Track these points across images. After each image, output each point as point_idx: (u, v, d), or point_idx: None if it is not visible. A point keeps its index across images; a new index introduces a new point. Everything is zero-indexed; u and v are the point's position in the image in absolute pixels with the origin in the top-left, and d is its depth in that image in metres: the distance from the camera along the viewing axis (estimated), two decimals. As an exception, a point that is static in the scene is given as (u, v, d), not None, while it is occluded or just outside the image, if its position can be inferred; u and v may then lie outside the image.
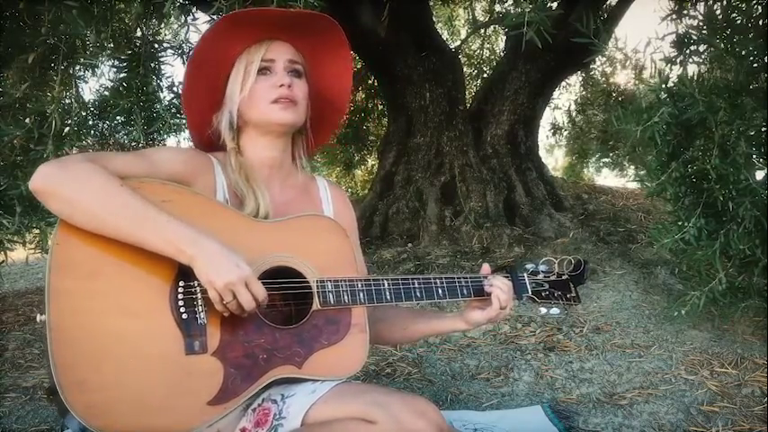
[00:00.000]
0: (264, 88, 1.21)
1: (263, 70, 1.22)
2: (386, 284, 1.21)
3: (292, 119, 1.23)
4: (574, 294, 1.40)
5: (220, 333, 1.04)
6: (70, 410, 0.89)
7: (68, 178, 0.99)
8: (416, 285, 1.24)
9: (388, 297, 1.21)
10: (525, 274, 1.38)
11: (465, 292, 1.29)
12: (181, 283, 1.04)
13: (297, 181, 1.35)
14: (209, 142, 1.29)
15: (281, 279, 1.12)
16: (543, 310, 1.40)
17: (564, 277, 1.41)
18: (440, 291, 1.27)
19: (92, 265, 0.99)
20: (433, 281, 1.27)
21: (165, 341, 1.00)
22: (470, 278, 1.30)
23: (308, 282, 1.15)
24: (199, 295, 1.04)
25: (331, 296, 1.16)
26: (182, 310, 1.02)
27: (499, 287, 1.26)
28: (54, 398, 0.92)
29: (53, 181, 0.99)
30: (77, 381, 0.91)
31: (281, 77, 1.21)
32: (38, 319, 0.96)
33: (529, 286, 1.37)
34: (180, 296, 1.03)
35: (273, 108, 1.21)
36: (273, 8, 1.19)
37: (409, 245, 3.85)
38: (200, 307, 1.03)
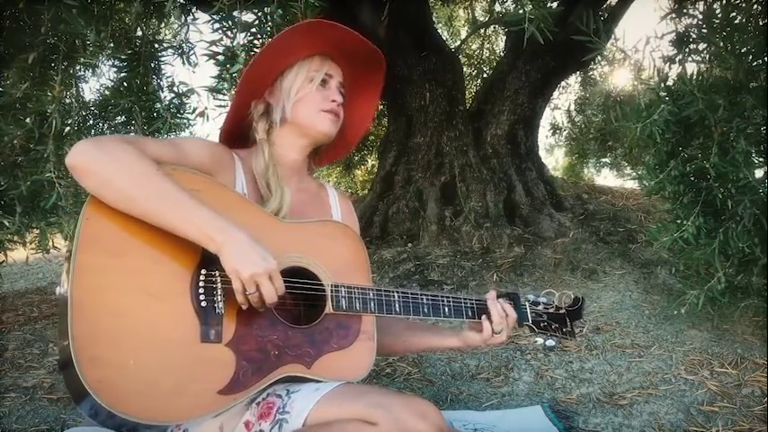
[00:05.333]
0: (319, 97, 1.29)
1: (322, 82, 1.30)
2: (396, 296, 1.25)
3: (333, 131, 1.31)
4: (569, 329, 1.45)
5: (236, 325, 1.06)
6: (83, 382, 0.89)
7: (105, 157, 1.00)
8: (425, 301, 1.28)
9: (397, 309, 1.24)
10: (527, 304, 1.42)
11: (470, 313, 1.33)
12: (203, 271, 1.05)
13: (309, 186, 1.40)
14: (238, 135, 1.34)
15: (296, 279, 1.14)
16: (539, 341, 1.44)
17: (562, 311, 1.46)
18: (446, 309, 1.31)
19: (117, 244, 1.00)
20: (440, 299, 1.31)
21: (182, 326, 1.01)
22: (476, 300, 1.34)
23: (322, 285, 1.17)
24: (219, 285, 1.05)
25: (344, 302, 1.18)
26: (201, 297, 1.04)
27: (498, 312, 1.31)
28: (66, 372, 0.93)
29: (90, 158, 1.00)
30: (92, 356, 0.92)
31: (335, 93, 1.31)
32: (57, 291, 0.97)
33: (529, 315, 1.41)
34: (201, 284, 1.04)
35: (323, 116, 1.29)
36: (352, 30, 1.28)
37: (409, 245, 3.85)
38: (219, 296, 1.05)
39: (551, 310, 1.44)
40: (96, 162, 1.00)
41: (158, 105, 2.55)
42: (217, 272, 1.05)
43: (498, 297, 1.36)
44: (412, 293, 1.27)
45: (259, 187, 1.24)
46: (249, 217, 1.13)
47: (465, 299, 1.33)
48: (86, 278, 0.96)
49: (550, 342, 1.42)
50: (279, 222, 1.19)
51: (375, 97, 1.43)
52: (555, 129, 6.62)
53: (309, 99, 1.28)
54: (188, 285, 1.03)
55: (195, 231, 1.00)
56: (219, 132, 1.37)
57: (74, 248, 0.96)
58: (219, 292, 1.05)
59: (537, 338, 1.42)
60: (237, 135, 1.34)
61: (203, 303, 1.03)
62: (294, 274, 1.14)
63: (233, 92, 2.03)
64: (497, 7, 5.96)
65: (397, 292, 1.25)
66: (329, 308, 1.16)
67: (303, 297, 1.18)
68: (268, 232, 1.14)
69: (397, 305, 1.24)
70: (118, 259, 0.99)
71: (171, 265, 1.03)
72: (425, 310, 1.28)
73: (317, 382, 1.10)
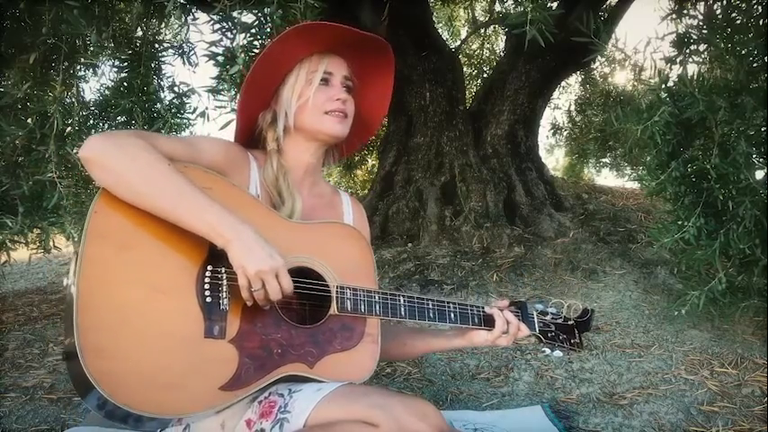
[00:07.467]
0: (322, 98, 1.26)
1: (322, 81, 1.27)
2: (401, 300, 1.24)
3: (343, 131, 1.28)
4: (578, 341, 1.44)
5: (240, 322, 1.06)
6: (86, 372, 0.89)
7: (118, 151, 1.02)
8: (430, 306, 1.28)
9: (403, 313, 1.24)
10: (535, 313, 1.41)
11: (476, 320, 1.32)
12: (209, 267, 1.06)
13: (323, 190, 1.40)
14: (249, 140, 1.33)
15: (302, 279, 1.14)
16: (547, 351, 1.42)
17: (570, 322, 1.44)
18: (452, 315, 1.30)
19: (125, 237, 1.01)
20: (446, 305, 1.30)
21: (186, 321, 1.01)
22: (483, 308, 1.34)
23: (328, 286, 1.17)
24: (224, 281, 1.06)
25: (349, 303, 1.18)
26: (206, 293, 1.04)
27: (501, 324, 1.30)
28: (70, 363, 0.93)
29: (103, 151, 1.02)
30: (96, 347, 0.92)
31: (338, 91, 1.27)
32: (64, 282, 0.98)
33: (537, 325, 1.39)
34: (207, 279, 1.05)
35: (328, 119, 1.26)
36: (345, 26, 1.23)
37: (409, 245, 3.85)
38: (224, 293, 1.06)
39: (559, 321, 1.43)
40: (109, 156, 1.01)
41: (159, 105, 2.55)
42: (223, 268, 1.06)
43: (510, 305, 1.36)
44: (418, 298, 1.27)
45: (270, 196, 1.24)
46: (258, 216, 1.13)
47: (471, 306, 1.33)
48: (93, 270, 0.96)
49: (557, 353, 1.41)
50: (287, 222, 1.20)
51: (389, 76, 1.38)
52: (555, 129, 6.63)
53: (312, 103, 1.25)
54: (194, 281, 1.04)
55: (204, 227, 1.01)
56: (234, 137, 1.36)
57: (82, 240, 0.97)
58: (225, 289, 1.06)
59: (544, 349, 1.40)
60: (252, 140, 1.34)
61: (208, 299, 1.04)
62: (300, 275, 1.14)
63: (233, 92, 2.03)
64: (497, 7, 5.96)
65: (403, 296, 1.25)
66: (334, 309, 1.16)
67: (308, 297, 1.19)
68: (276, 232, 1.14)
69: (402, 309, 1.24)
70: (125, 252, 1.00)
71: (178, 260, 1.04)
72: (431, 315, 1.27)
73: (320, 382, 1.10)
